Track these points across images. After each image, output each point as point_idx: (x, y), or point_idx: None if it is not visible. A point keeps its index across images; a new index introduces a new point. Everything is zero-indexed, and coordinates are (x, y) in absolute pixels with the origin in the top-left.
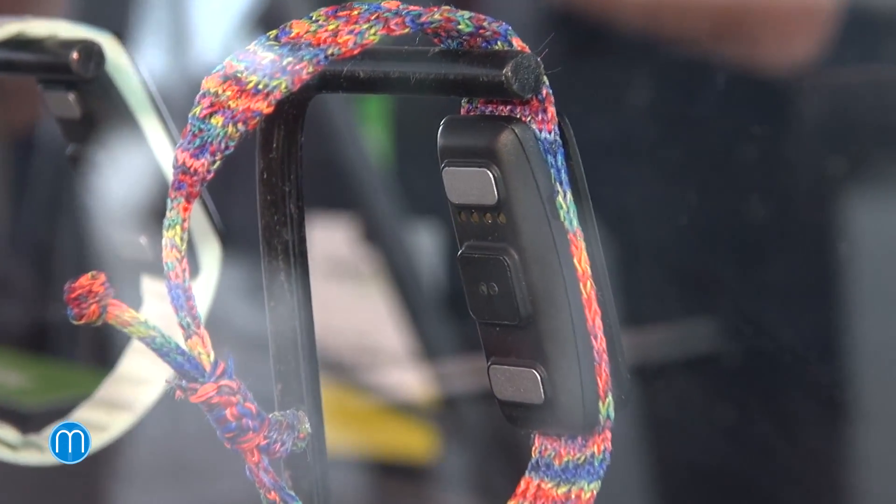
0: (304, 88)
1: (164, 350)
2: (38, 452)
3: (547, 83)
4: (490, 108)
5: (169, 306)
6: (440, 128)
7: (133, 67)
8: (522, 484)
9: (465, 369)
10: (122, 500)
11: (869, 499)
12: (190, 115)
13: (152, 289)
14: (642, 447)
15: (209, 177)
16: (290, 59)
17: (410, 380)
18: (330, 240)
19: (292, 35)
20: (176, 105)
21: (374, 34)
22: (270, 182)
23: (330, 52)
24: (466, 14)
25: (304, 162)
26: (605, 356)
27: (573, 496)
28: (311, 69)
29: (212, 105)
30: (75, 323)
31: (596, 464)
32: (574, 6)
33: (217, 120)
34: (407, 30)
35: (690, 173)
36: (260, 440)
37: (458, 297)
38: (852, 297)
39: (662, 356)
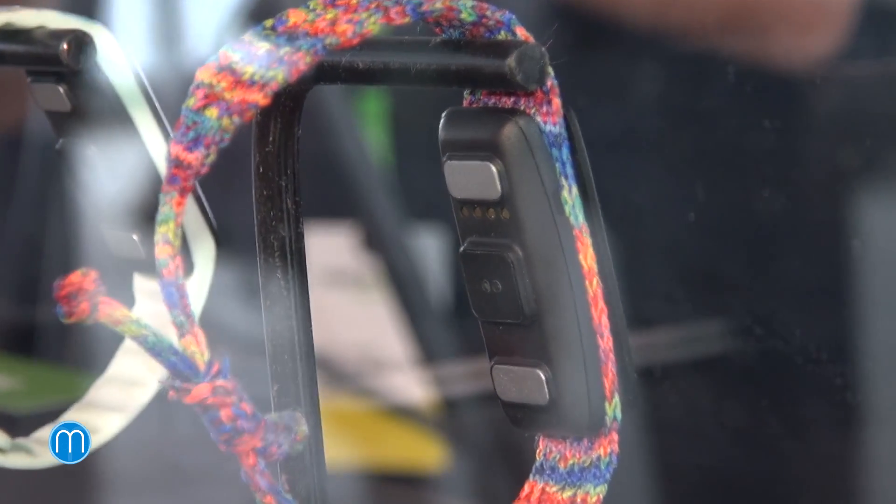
0: (302, 80)
1: (156, 349)
2: (27, 456)
3: (552, 74)
4: (493, 100)
5: (162, 305)
6: (441, 120)
7: (125, 59)
8: (526, 488)
9: (467, 372)
10: None
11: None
12: (183, 107)
13: (145, 287)
14: (650, 450)
15: (203, 171)
16: (286, 49)
17: (413, 387)
18: (330, 248)
19: (289, 24)
20: (169, 97)
21: (374, 23)
22: (266, 176)
23: (328, 41)
24: (469, 3)
25: (301, 165)
26: (611, 355)
27: (579, 500)
28: (308, 60)
29: (206, 97)
30: (65, 321)
31: (602, 467)
32: None
33: (212, 112)
34: (407, 19)
35: (700, 168)
36: (256, 442)
37: (463, 302)
38: (866, 297)
39: (671, 356)
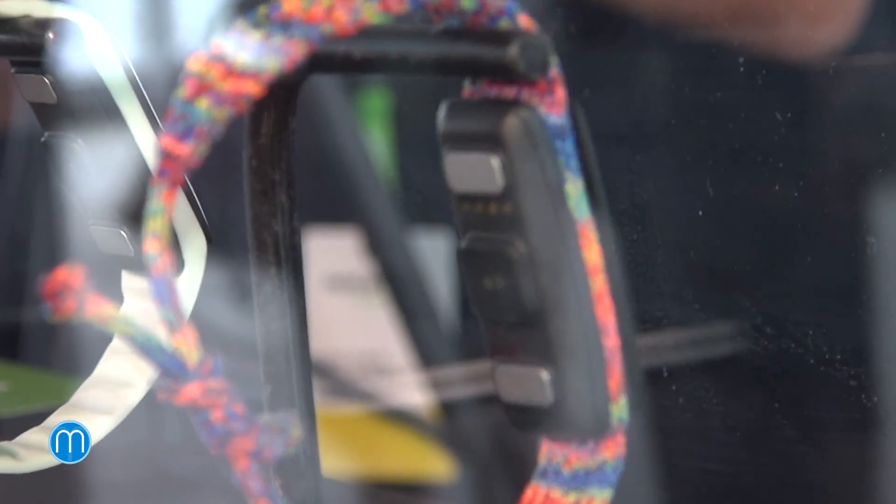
0: (296, 69)
1: (145, 348)
2: (12, 460)
3: (556, 63)
4: (495, 91)
5: (151, 303)
6: (441, 111)
7: (113, 49)
8: (530, 493)
9: (469, 375)
10: None
11: None
12: (174, 98)
13: (133, 285)
14: (657, 454)
15: (194, 163)
16: (280, 37)
17: (414, 392)
18: (333, 252)
19: (283, 12)
20: (158, 89)
21: (371, 11)
22: (260, 170)
23: (324, 30)
24: None
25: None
26: (617, 355)
27: None
28: (303, 48)
29: (197, 87)
30: (51, 320)
31: (608, 471)
32: None
33: (203, 102)
34: (406, 6)
35: (709, 162)
36: (248, 445)
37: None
38: (882, 296)
39: (679, 357)
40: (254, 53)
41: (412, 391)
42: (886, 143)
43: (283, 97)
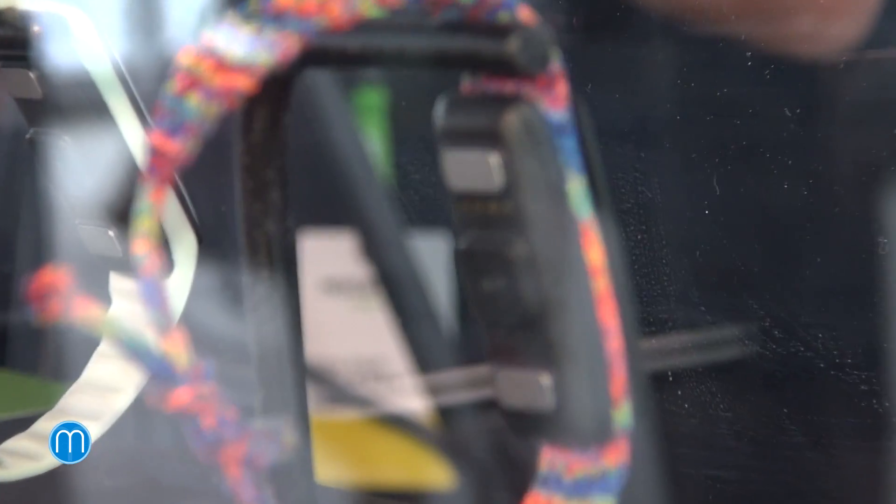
0: (290, 64)
1: (134, 352)
2: None
3: (557, 58)
4: (494, 86)
5: (140, 305)
6: (439, 107)
7: (100, 42)
8: (530, 501)
9: (468, 381)
10: None
11: None
12: (163, 93)
13: (121, 286)
14: (662, 460)
15: (185, 160)
16: (274, 31)
17: (412, 398)
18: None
19: (276, 4)
20: (147, 84)
21: (367, 4)
22: (252, 168)
23: (318, 23)
24: None
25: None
26: (620, 359)
27: None
28: (296, 43)
29: (188, 82)
30: (37, 323)
31: (611, 478)
32: None
33: (193, 98)
34: (402, 0)
35: (716, 160)
36: (240, 452)
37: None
38: (894, 298)
39: (684, 361)
40: (246, 47)
41: (410, 396)
42: None
43: (276, 92)
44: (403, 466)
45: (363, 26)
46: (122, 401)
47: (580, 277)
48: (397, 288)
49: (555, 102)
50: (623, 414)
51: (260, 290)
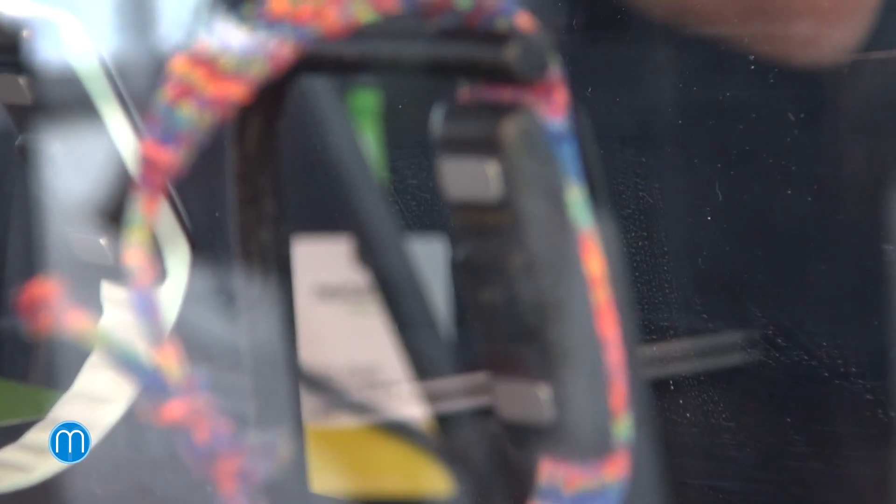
0: (285, 71)
1: (125, 363)
2: None
3: (556, 65)
4: (492, 94)
5: (132, 315)
6: (436, 116)
7: (91, 48)
8: None
9: (467, 389)
10: None
11: None
12: (156, 101)
13: (113, 296)
14: (663, 472)
15: (177, 170)
16: (268, 37)
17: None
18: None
19: (271, 11)
20: (139, 90)
21: (363, 10)
22: (245, 176)
23: (313, 30)
24: None
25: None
26: (620, 370)
27: None
28: (292, 49)
29: (180, 90)
30: (27, 335)
31: (611, 492)
32: None
33: (186, 106)
34: (399, 6)
35: (718, 166)
36: (234, 465)
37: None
38: None
39: (686, 369)
40: (239, 54)
41: (408, 404)
42: None
43: (270, 100)
44: (401, 474)
45: (359, 33)
46: (113, 411)
47: (579, 287)
48: (394, 293)
49: (554, 110)
50: (623, 426)
51: (253, 299)
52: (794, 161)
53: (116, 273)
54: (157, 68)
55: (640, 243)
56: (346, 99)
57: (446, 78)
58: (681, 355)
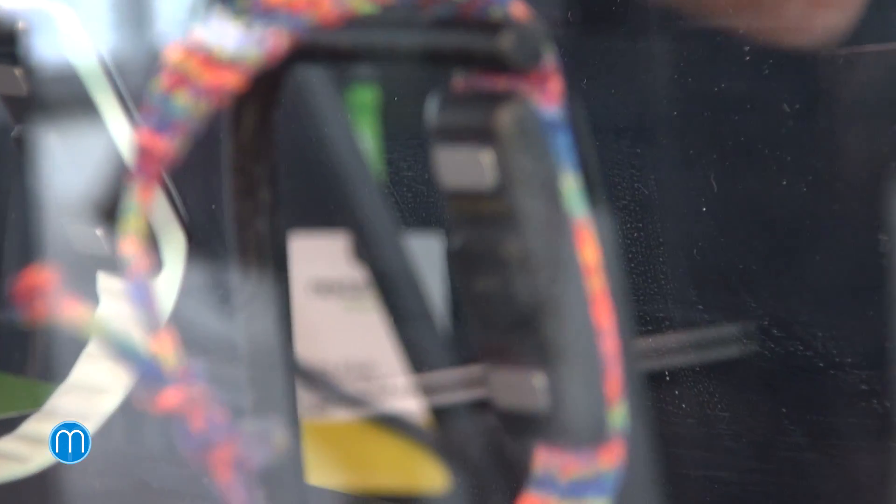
0: (280, 60)
1: (122, 353)
2: None
3: (551, 54)
4: (487, 83)
5: (128, 305)
6: (430, 105)
7: (87, 39)
8: (525, 502)
9: (463, 381)
10: None
11: None
12: (151, 90)
13: (109, 286)
14: (658, 462)
15: (173, 159)
16: (264, 27)
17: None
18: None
19: (266, 0)
20: (135, 80)
21: (358, 0)
22: (241, 166)
23: (308, 19)
24: None
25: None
26: (615, 359)
27: None
28: (287, 39)
29: (175, 79)
30: (24, 324)
31: (606, 480)
32: None
33: (182, 95)
34: None
35: (713, 157)
36: (230, 454)
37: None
38: (894, 296)
39: (681, 360)
40: (235, 44)
41: (404, 397)
42: None
43: (265, 90)
44: (397, 468)
45: (354, 22)
46: (110, 402)
47: (574, 276)
48: (390, 287)
49: (548, 99)
50: (618, 414)
51: (249, 289)
52: (790, 152)
53: (112, 263)
54: (153, 59)
55: (635, 234)
56: (342, 92)
57: (441, 67)
58: (676, 346)
